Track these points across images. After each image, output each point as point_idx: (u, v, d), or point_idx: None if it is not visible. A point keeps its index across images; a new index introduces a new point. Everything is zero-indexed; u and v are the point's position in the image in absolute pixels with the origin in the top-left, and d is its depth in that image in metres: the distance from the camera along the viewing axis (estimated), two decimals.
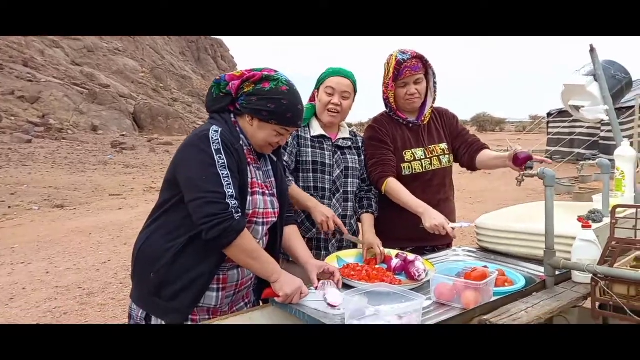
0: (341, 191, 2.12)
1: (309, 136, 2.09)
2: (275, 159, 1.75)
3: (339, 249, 2.10)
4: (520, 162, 1.86)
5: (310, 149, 2.08)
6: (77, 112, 21.16)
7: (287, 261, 1.97)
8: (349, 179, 2.15)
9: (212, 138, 1.48)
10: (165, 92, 29.70)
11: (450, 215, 2.34)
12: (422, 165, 2.25)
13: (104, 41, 30.56)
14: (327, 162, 2.09)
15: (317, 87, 2.13)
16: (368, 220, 2.13)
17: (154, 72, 30.98)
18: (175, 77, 32.71)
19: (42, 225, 7.27)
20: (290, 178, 2.01)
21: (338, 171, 2.12)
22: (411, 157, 2.25)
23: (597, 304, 1.50)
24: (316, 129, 2.11)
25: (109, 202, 9.25)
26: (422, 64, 2.18)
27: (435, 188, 2.26)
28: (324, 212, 1.94)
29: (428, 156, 2.27)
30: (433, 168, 2.27)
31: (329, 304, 1.51)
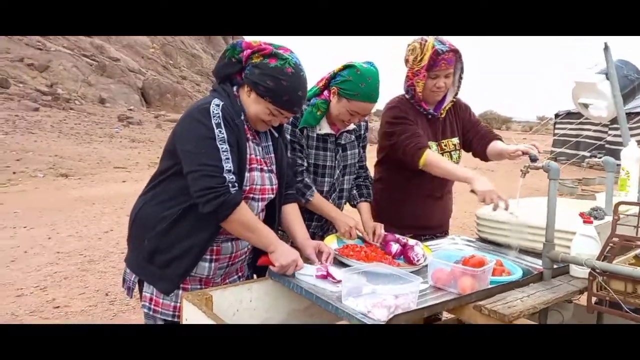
0: (337, 190, 2.12)
1: (314, 135, 2.02)
2: (276, 134, 1.75)
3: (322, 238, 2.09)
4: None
5: (313, 150, 2.03)
6: (86, 84, 21.08)
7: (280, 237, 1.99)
8: (346, 177, 2.13)
9: (213, 112, 1.48)
10: (175, 69, 29.54)
11: (446, 208, 2.39)
12: None
13: None
14: (328, 164, 2.05)
15: (341, 95, 1.91)
16: (367, 208, 2.15)
17: (164, 48, 30.80)
18: (185, 55, 32.52)
19: (46, 193, 7.33)
20: (313, 188, 2.00)
21: (337, 172, 2.09)
22: None
23: (594, 299, 1.52)
24: (324, 128, 2.03)
25: (113, 174, 9.29)
26: (456, 58, 2.14)
27: (442, 182, 2.26)
28: (347, 222, 1.96)
29: (440, 152, 2.26)
30: None
31: (330, 276, 1.54)
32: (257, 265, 1.70)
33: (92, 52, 24.35)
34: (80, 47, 24.34)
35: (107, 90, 21.26)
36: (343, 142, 2.09)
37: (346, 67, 1.92)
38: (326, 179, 2.06)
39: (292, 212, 1.82)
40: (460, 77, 2.23)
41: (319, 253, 1.71)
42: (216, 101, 1.51)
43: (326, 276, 1.56)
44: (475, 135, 2.32)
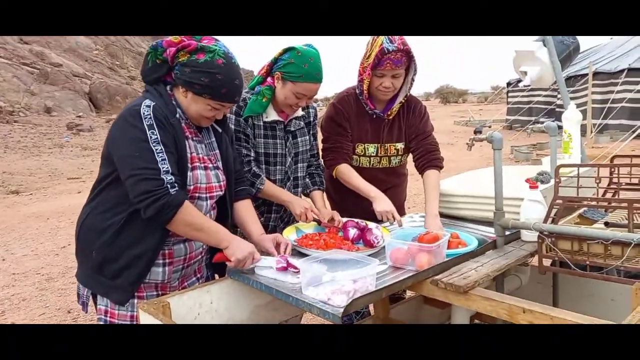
0: (291, 178, 2.09)
1: (261, 123, 1.98)
2: (220, 130, 1.70)
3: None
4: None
5: (262, 140, 1.99)
6: (29, 93, 20.08)
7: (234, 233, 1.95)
8: (299, 164, 2.11)
9: (144, 113, 1.43)
10: (122, 70, 28.49)
11: (397, 200, 2.33)
12: (369, 162, 2.24)
13: None
14: (279, 152, 2.02)
15: (286, 79, 1.87)
16: (320, 196, 2.14)
17: (109, 49, 29.62)
18: (132, 54, 31.40)
19: None
20: (262, 176, 1.97)
21: (289, 159, 2.06)
22: (362, 151, 2.22)
23: (545, 260, 1.58)
24: (271, 115, 1.99)
25: (67, 186, 8.92)
26: (405, 58, 2.03)
27: (379, 181, 2.22)
28: (301, 205, 1.94)
29: (380, 154, 2.24)
30: (381, 166, 2.26)
31: (291, 266, 1.53)
32: (212, 262, 1.66)
33: (31, 59, 23.17)
34: (19, 56, 23.11)
35: (52, 99, 20.33)
36: (292, 128, 2.06)
37: (286, 50, 1.89)
38: (278, 167, 2.04)
39: (245, 209, 1.78)
40: (412, 79, 2.14)
41: (277, 245, 1.69)
42: (147, 102, 1.46)
43: (287, 267, 1.54)
44: (418, 149, 2.21)
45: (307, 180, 2.17)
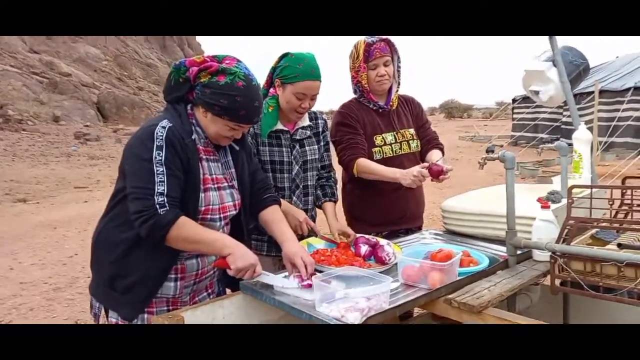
0: (301, 187, 2.09)
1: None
2: (237, 148, 1.71)
3: None
4: (433, 173, 2.03)
5: (267, 147, 2.01)
6: (37, 102, 20.33)
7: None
8: (308, 173, 2.11)
9: (157, 134, 1.45)
10: (130, 80, 28.81)
11: (420, 198, 2.43)
12: (392, 150, 2.29)
13: None
14: (285, 159, 2.03)
15: (284, 83, 1.94)
16: (331, 208, 2.13)
17: (118, 60, 29.99)
18: (140, 65, 31.78)
19: (3, 220, 7.00)
20: None
21: (297, 167, 2.07)
22: (381, 141, 2.28)
23: (557, 280, 1.58)
24: (276, 124, 2.03)
25: (74, 195, 8.98)
26: (389, 47, 2.23)
27: None
28: (296, 217, 1.95)
29: (398, 140, 2.31)
30: (403, 152, 2.32)
31: (303, 285, 1.52)
32: (213, 266, 1.64)
33: (41, 69, 23.48)
34: (29, 65, 23.43)
35: (60, 108, 20.56)
36: (299, 137, 2.08)
37: (281, 57, 1.96)
38: (285, 174, 2.05)
39: (270, 214, 1.75)
40: (399, 68, 2.32)
41: (294, 265, 1.61)
42: (163, 123, 1.48)
43: (311, 285, 1.52)
44: (423, 138, 2.42)
45: (319, 192, 2.18)
